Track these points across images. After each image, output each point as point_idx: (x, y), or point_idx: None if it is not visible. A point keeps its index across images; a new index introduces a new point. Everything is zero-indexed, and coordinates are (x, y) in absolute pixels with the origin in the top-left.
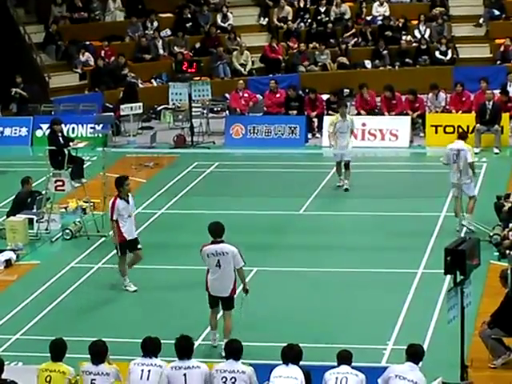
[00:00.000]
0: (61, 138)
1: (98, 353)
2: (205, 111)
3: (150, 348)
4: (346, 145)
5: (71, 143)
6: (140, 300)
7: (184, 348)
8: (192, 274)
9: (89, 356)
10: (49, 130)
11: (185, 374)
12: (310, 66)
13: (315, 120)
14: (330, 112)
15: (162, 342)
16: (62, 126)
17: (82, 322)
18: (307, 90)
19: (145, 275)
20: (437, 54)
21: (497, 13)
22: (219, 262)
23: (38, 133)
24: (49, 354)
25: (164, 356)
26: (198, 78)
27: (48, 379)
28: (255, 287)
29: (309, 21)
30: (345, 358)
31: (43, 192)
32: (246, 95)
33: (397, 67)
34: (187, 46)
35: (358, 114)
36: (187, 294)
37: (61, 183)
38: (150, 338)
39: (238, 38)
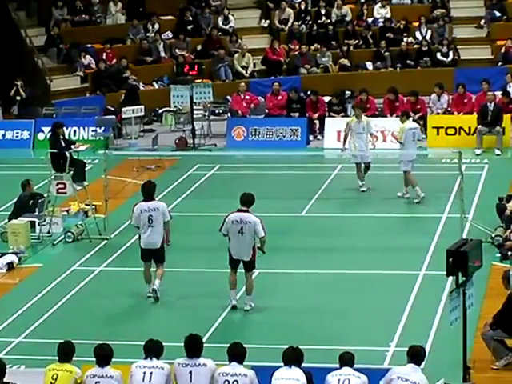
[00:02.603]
0: (62, 141)
1: (105, 356)
2: (206, 113)
3: (152, 350)
4: (365, 146)
5: (73, 146)
6: (142, 303)
7: (193, 346)
8: (194, 276)
9: (91, 359)
10: (51, 133)
11: (190, 372)
12: (312, 68)
13: (317, 122)
14: (331, 114)
15: (164, 344)
16: (64, 129)
17: (85, 324)
18: (309, 92)
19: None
20: (438, 55)
21: (498, 14)
22: (242, 229)
23: (40, 136)
24: (51, 357)
25: (166, 358)
26: (200, 81)
27: (54, 377)
28: (257, 289)
29: (310, 23)
30: (347, 359)
31: (45, 195)
32: (247, 97)
33: (398, 69)
34: (188, 48)
35: None
36: (189, 296)
37: (62, 186)
38: (151, 341)
39: (240, 41)
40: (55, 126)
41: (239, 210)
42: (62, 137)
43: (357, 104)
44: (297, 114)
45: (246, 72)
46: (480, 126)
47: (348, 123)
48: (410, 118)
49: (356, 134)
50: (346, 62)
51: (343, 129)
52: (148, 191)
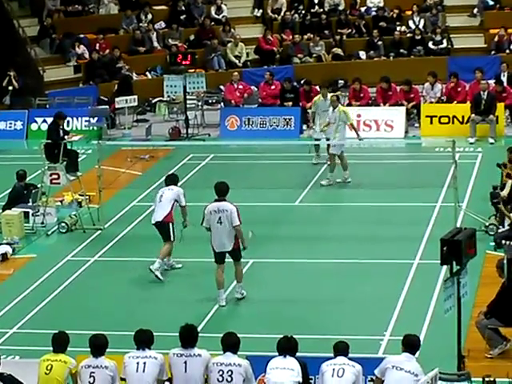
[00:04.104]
0: (61, 132)
1: (99, 346)
2: (200, 103)
3: (143, 340)
4: (326, 124)
5: (66, 136)
6: (136, 293)
7: (188, 337)
8: (188, 265)
9: (85, 349)
10: (52, 122)
11: (185, 362)
12: (305, 57)
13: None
14: None
15: (160, 334)
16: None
17: (79, 315)
18: (302, 82)
19: (141, 267)
20: (431, 44)
21: (491, 3)
22: (220, 218)
23: (33, 126)
24: (45, 348)
25: (160, 348)
26: (193, 71)
27: (49, 368)
28: (251, 279)
29: (303, 12)
30: (342, 349)
31: (39, 185)
32: (240, 87)
33: (391, 58)
34: (181, 38)
35: (350, 105)
36: (183, 286)
37: (56, 176)
38: (142, 330)
39: (233, 30)
40: (57, 117)
41: (216, 200)
42: (61, 127)
43: (324, 84)
44: (290, 104)
45: (239, 61)
46: (473, 115)
47: (315, 101)
48: None
49: (322, 112)
50: (339, 51)
51: (311, 107)
52: (166, 178)
